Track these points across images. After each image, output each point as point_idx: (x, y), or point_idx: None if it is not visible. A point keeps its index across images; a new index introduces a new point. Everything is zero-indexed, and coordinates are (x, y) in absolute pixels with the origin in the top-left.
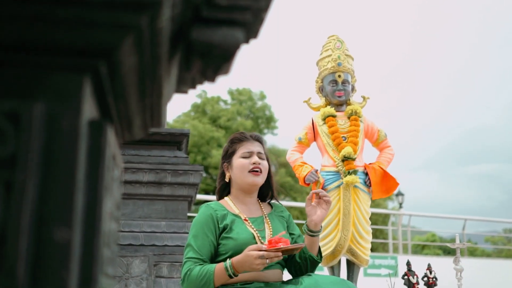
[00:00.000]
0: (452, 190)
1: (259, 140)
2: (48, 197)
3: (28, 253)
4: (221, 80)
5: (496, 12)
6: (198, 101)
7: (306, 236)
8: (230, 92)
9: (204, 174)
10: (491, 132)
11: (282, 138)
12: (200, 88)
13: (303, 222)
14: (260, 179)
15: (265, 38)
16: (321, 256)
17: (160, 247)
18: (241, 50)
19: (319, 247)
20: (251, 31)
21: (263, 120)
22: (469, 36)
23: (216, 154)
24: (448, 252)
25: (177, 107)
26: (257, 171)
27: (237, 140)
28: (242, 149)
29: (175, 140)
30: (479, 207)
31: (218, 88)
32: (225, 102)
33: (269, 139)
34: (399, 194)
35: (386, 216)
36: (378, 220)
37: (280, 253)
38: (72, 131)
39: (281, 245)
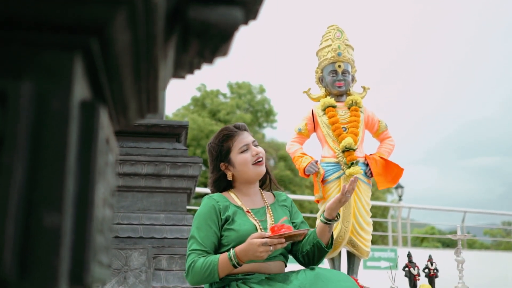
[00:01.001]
0: (451, 183)
1: (246, 129)
2: (37, 181)
3: (16, 239)
4: (220, 73)
5: (496, 5)
6: (198, 94)
7: (320, 223)
8: (230, 86)
9: (204, 168)
10: (490, 125)
11: (282, 131)
12: (198, 79)
13: (303, 214)
14: (264, 167)
15: (265, 31)
16: (331, 246)
17: (159, 240)
18: (240, 31)
19: (332, 238)
20: (250, 11)
21: (262, 114)
22: (469, 29)
23: None
24: (447, 245)
25: (177, 101)
26: (260, 161)
27: (227, 137)
28: (237, 144)
29: (174, 132)
30: (478, 200)
31: (218, 82)
32: (224, 95)
33: (269, 133)
34: (399, 186)
35: (386, 209)
36: (377, 213)
37: (283, 240)
38: (63, 112)
39: (284, 231)
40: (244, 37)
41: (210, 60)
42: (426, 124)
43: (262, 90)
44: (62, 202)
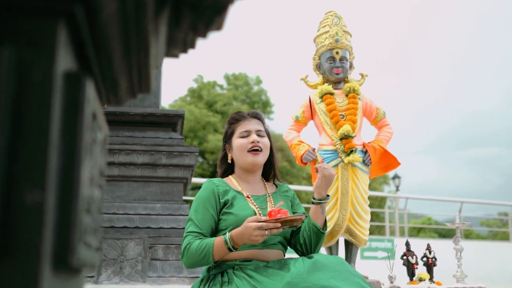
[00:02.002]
0: (449, 175)
1: (258, 117)
2: (18, 155)
3: None
4: (217, 64)
5: None
6: (194, 85)
7: (312, 204)
8: (226, 77)
9: (201, 159)
10: (489, 117)
11: (278, 123)
12: (195, 70)
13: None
14: (261, 158)
15: (262, 22)
16: (325, 228)
17: (155, 230)
18: (237, 23)
19: (326, 220)
20: None
21: (259, 105)
22: (468, 21)
23: (213, 139)
24: (444, 235)
25: (173, 93)
26: (256, 150)
27: (234, 120)
28: (240, 129)
29: (170, 121)
30: (476, 191)
31: (214, 73)
32: (221, 87)
33: None
34: (396, 177)
35: (383, 199)
36: (374, 204)
37: (279, 224)
38: (45, 82)
39: (280, 216)
40: (241, 28)
41: (203, 34)
42: (426, 116)
43: (258, 82)
44: (45, 178)
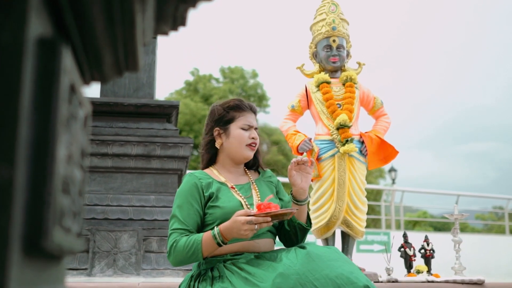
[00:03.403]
0: (446, 169)
1: (255, 112)
2: None
3: None
4: (213, 57)
5: None
6: (191, 78)
7: (293, 205)
8: (222, 70)
9: (196, 153)
10: (487, 112)
11: (274, 116)
12: (191, 62)
13: None
14: (253, 154)
15: (258, 15)
16: (310, 223)
17: (150, 222)
18: (233, 15)
19: (308, 213)
20: None
21: (255, 99)
22: (467, 15)
23: None
24: (439, 229)
25: (169, 86)
26: (253, 146)
27: (237, 107)
28: (242, 120)
29: (164, 112)
30: (472, 185)
31: (210, 66)
32: (217, 80)
33: (261, 118)
34: (392, 170)
35: (379, 192)
36: (370, 197)
37: (269, 218)
38: (15, 47)
39: (270, 210)
40: (237, 20)
41: (193, 4)
42: (424, 110)
43: (254, 75)
44: (14, 153)
